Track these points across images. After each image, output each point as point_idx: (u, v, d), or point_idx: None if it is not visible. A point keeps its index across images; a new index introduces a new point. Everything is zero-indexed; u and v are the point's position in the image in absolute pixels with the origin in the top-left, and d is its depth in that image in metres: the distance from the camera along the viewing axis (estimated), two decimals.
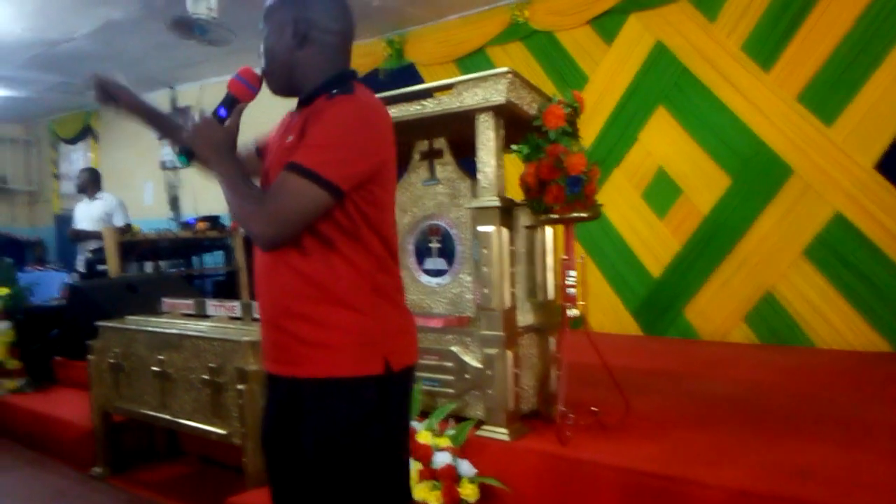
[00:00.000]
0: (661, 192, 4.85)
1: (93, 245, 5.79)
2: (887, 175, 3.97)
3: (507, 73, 2.50)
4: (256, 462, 2.77)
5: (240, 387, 2.78)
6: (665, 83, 4.81)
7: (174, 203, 8.21)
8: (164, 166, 8.19)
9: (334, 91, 1.37)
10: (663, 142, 4.84)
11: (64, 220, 9.49)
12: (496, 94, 2.52)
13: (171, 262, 6.39)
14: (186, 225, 6.31)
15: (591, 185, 2.58)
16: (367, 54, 6.33)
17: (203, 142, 1.41)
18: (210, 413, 2.97)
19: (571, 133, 2.64)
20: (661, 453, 2.34)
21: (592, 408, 2.70)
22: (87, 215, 5.96)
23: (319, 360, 1.34)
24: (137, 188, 8.68)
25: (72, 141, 9.37)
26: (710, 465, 2.21)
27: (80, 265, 6.00)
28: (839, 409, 2.84)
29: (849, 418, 2.69)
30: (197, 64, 7.03)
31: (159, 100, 8.22)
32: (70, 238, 6.20)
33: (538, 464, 2.44)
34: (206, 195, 7.32)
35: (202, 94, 7.83)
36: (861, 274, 4.05)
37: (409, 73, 6.08)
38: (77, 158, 9.41)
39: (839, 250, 4.12)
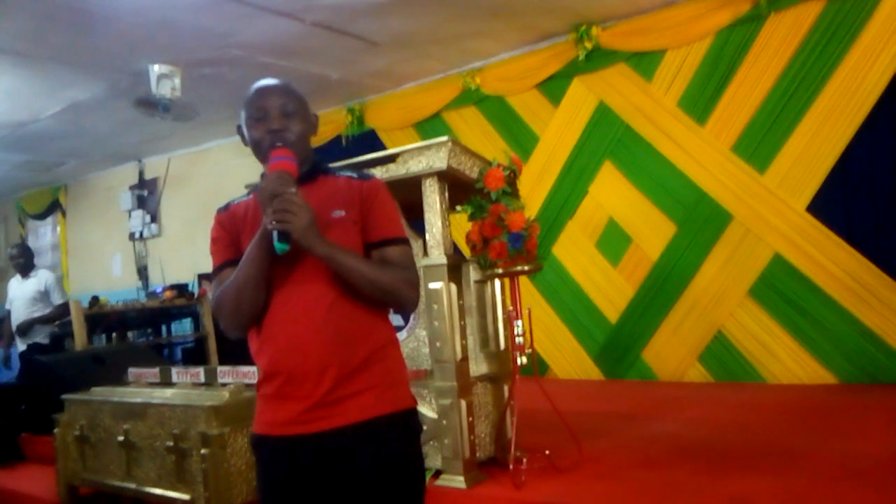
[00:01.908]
0: (613, 242, 5.07)
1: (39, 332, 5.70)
2: (818, 216, 4.22)
3: (447, 141, 2.70)
4: None
5: (203, 451, 2.84)
6: (610, 139, 5.09)
7: (142, 273, 8.26)
8: (132, 237, 8.27)
9: (346, 172, 1.62)
10: (612, 194, 5.08)
11: None
12: (438, 160, 2.71)
13: (139, 332, 6.40)
14: (154, 294, 6.37)
15: (532, 240, 2.76)
16: (329, 122, 6.57)
17: (311, 228, 1.43)
18: (175, 479, 3.01)
19: (511, 193, 2.84)
20: (611, 493, 2.46)
21: (546, 451, 2.81)
22: (20, 293, 5.74)
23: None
24: (106, 260, 8.72)
25: (40, 216, 9.43)
26: (655, 501, 2.33)
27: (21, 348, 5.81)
28: (783, 441, 2.98)
29: (791, 449, 2.84)
30: (164, 138, 7.21)
31: (127, 173, 8.38)
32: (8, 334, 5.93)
33: None
34: (174, 264, 7.41)
35: (169, 166, 8.00)
36: (803, 310, 4.26)
37: (370, 139, 6.32)
38: (45, 233, 9.46)
39: (781, 289, 4.33)
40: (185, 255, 7.52)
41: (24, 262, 5.79)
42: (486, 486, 2.67)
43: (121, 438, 3.22)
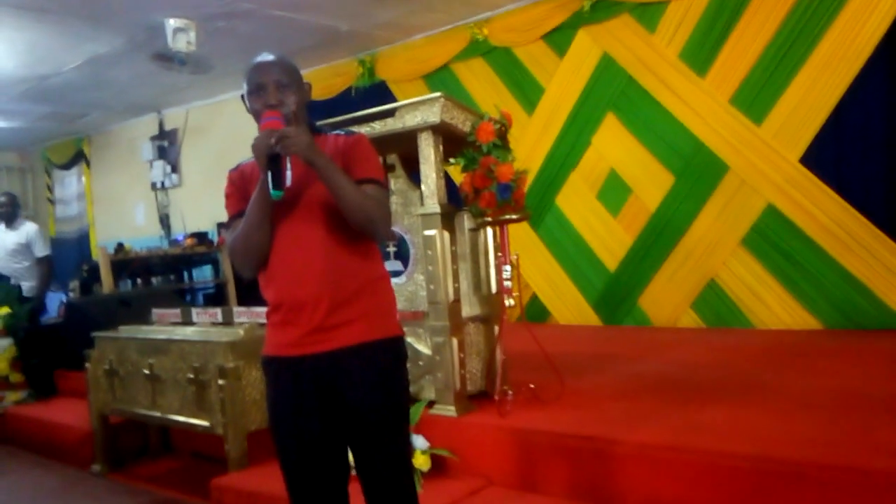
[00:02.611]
0: (614, 192, 5.21)
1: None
2: (812, 168, 4.32)
3: (440, 97, 2.87)
4: (237, 447, 3.13)
5: (220, 382, 3.13)
6: (613, 91, 5.18)
7: (164, 222, 8.56)
8: (154, 187, 8.55)
9: (332, 130, 1.89)
10: (614, 146, 5.20)
11: (60, 242, 9.85)
12: (432, 115, 2.89)
13: (162, 278, 6.73)
14: (176, 242, 6.67)
15: (520, 190, 2.94)
16: (340, 74, 6.71)
17: (312, 146, 1.67)
18: (195, 408, 3.32)
19: (501, 146, 3.00)
20: (583, 420, 2.70)
21: (531, 385, 3.06)
22: (1, 244, 5.61)
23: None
24: (129, 209, 9.03)
25: (65, 166, 9.74)
26: (626, 427, 2.57)
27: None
28: (755, 379, 3.20)
29: (760, 385, 3.05)
30: (182, 90, 7.39)
31: (148, 124, 8.61)
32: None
33: (481, 435, 2.81)
34: (194, 213, 7.69)
35: (188, 118, 8.21)
36: (793, 259, 4.41)
37: (380, 91, 6.44)
38: (71, 183, 9.78)
39: (773, 239, 4.48)
40: (204, 204, 7.78)
41: (10, 212, 5.70)
42: (474, 415, 2.93)
43: (146, 372, 3.54)
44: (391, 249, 3.27)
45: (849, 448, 2.15)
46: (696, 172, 4.79)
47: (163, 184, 8.46)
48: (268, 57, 1.81)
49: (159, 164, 8.38)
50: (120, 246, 5.95)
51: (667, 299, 4.97)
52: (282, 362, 1.76)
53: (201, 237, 6.62)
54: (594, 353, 4.09)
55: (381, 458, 1.76)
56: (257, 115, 1.77)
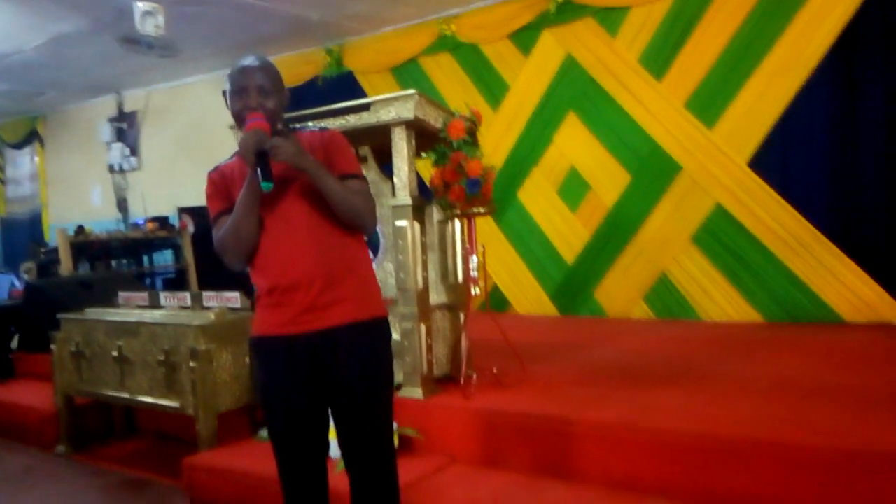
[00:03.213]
0: (573, 189, 5.42)
1: None
2: (758, 171, 4.60)
3: (414, 94, 2.99)
4: (208, 428, 3.21)
5: (192, 364, 3.21)
6: (575, 91, 5.38)
7: (122, 205, 8.46)
8: (111, 169, 8.42)
9: (307, 128, 2.02)
10: (574, 144, 5.41)
11: (10, 223, 9.63)
12: (406, 111, 3.01)
13: (121, 262, 6.68)
14: (136, 225, 6.62)
15: (487, 185, 3.09)
16: (307, 63, 6.75)
17: (301, 151, 1.80)
18: (165, 389, 3.39)
19: (471, 143, 3.14)
20: (545, 403, 2.88)
21: (493, 369, 3.23)
22: None
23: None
24: (85, 191, 8.87)
25: (17, 146, 9.50)
26: (582, 408, 2.75)
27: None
28: (699, 366, 3.43)
29: (704, 372, 3.28)
30: (144, 71, 7.31)
31: (106, 105, 8.47)
32: None
33: (446, 416, 2.96)
34: (154, 198, 7.63)
35: (149, 100, 8.11)
36: (738, 257, 4.68)
37: (347, 81, 6.52)
38: (23, 162, 9.55)
39: (720, 237, 4.75)
40: (165, 188, 7.73)
41: None
42: (440, 397, 3.08)
43: (115, 354, 3.58)
44: None
45: (780, 427, 2.37)
46: (651, 172, 5.03)
47: (121, 166, 8.35)
48: (253, 62, 1.90)
49: (117, 146, 8.26)
50: (80, 228, 5.89)
51: (620, 292, 5.21)
52: (275, 341, 1.87)
53: (162, 221, 6.58)
54: (552, 342, 4.29)
55: (367, 429, 1.90)
56: (237, 116, 1.88)
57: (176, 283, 6.74)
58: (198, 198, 7.81)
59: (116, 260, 6.64)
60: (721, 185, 4.74)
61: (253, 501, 2.83)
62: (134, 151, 8.27)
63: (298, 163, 1.79)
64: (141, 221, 6.62)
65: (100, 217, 8.23)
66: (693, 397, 2.82)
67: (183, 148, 7.73)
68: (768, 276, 4.58)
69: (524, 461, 2.73)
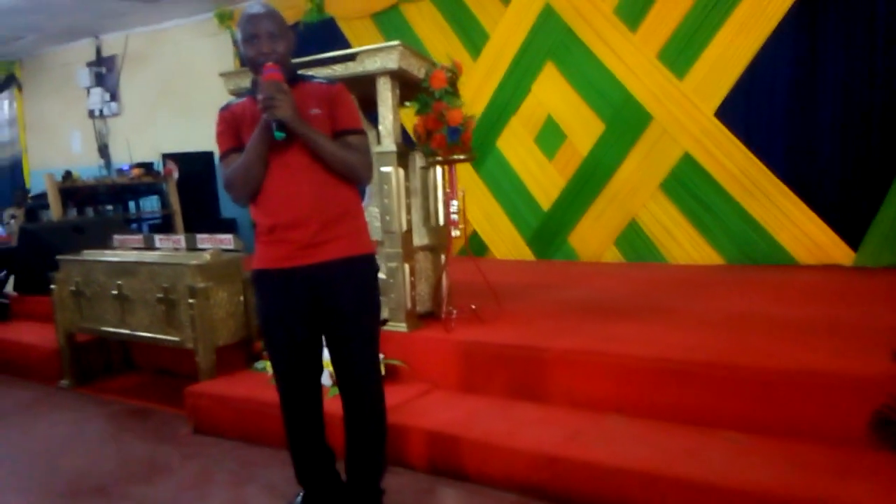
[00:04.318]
0: (550, 137, 5.62)
1: None
2: (724, 121, 4.83)
3: (398, 45, 3.15)
4: (207, 360, 3.46)
5: (191, 301, 3.43)
6: (552, 41, 5.52)
7: (103, 151, 8.49)
8: (91, 115, 8.42)
9: (314, 77, 2.19)
10: (552, 93, 5.58)
11: None
12: (390, 61, 3.18)
13: (106, 208, 6.80)
14: (121, 171, 6.72)
15: (467, 133, 3.29)
16: (289, 8, 6.73)
17: (297, 115, 1.99)
18: (165, 325, 3.61)
19: (452, 92, 3.32)
20: (519, 335, 3.16)
21: (472, 306, 3.49)
22: None
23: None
24: (64, 137, 8.88)
25: None
26: (552, 338, 3.03)
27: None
28: (662, 303, 3.72)
29: (666, 308, 3.57)
30: (121, 15, 7.28)
31: (83, 49, 8.41)
32: None
33: (428, 347, 3.23)
34: (137, 144, 7.70)
35: (127, 44, 8.07)
36: (703, 203, 4.96)
37: (328, 27, 6.57)
38: (1, 107, 9.48)
39: (687, 184, 5.01)
40: (147, 134, 7.79)
41: None
42: (423, 330, 3.35)
43: (114, 292, 3.78)
44: None
45: (728, 352, 2.67)
46: (624, 122, 5.24)
47: (101, 112, 8.35)
48: (260, 9, 2.08)
49: (97, 91, 8.26)
50: (68, 174, 5.99)
51: (593, 237, 5.48)
52: (275, 274, 2.11)
53: (147, 167, 6.69)
54: (528, 283, 4.57)
55: (358, 350, 2.16)
56: (251, 63, 2.06)
57: (162, 228, 6.89)
58: (181, 144, 7.91)
59: (102, 206, 6.76)
60: (689, 134, 4.97)
61: (251, 425, 3.11)
62: (114, 97, 8.26)
63: (292, 125, 1.99)
64: (126, 167, 6.71)
65: (80, 163, 8.27)
66: (652, 328, 3.12)
67: (164, 94, 7.76)
68: (730, 221, 4.87)
69: (498, 386, 3.02)
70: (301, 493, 2.36)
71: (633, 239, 5.29)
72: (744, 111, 4.77)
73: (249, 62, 2.07)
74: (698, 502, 2.11)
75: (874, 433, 2.23)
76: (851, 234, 4.46)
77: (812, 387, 2.38)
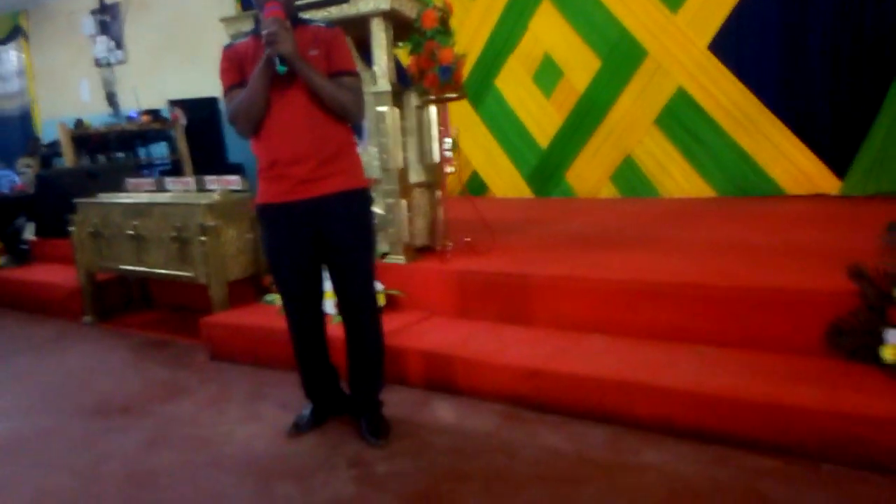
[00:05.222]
0: (547, 75, 5.71)
1: None
2: (717, 54, 4.90)
3: None
4: (220, 293, 3.69)
5: (202, 239, 3.64)
6: None
7: (111, 99, 8.62)
8: (98, 63, 8.52)
9: (313, 21, 2.34)
10: (549, 31, 5.63)
11: (1, 120, 9.76)
12: (383, 2, 3.28)
13: (117, 154, 6.98)
14: (131, 118, 6.87)
15: (459, 72, 3.41)
16: None
17: (297, 51, 2.15)
18: (179, 262, 3.84)
19: (443, 31, 3.42)
20: (511, 264, 3.35)
21: (466, 239, 3.68)
22: None
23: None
24: (73, 86, 8.99)
25: (2, 41, 9.49)
26: (541, 266, 3.23)
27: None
28: (650, 233, 3.90)
29: (652, 237, 3.75)
30: None
31: None
32: None
33: (425, 278, 3.44)
34: (142, 91, 7.82)
35: None
36: (696, 137, 5.07)
37: None
38: (9, 59, 9.57)
39: (681, 118, 5.11)
40: (153, 81, 7.89)
41: None
42: (420, 263, 3.55)
43: (130, 232, 4.00)
44: None
45: (700, 273, 2.86)
46: (620, 57, 5.31)
47: (107, 60, 8.44)
48: None
49: (102, 39, 8.33)
50: (79, 122, 6.15)
51: (590, 173, 5.62)
52: (278, 207, 2.30)
53: (155, 114, 6.83)
54: (524, 218, 4.74)
55: (354, 276, 2.37)
56: (258, 2, 2.20)
57: (171, 173, 7.06)
58: (187, 90, 8.01)
59: (112, 152, 6.94)
60: (683, 68, 5.04)
61: (262, 351, 3.36)
62: (119, 44, 8.34)
63: (291, 60, 2.14)
64: (135, 114, 6.86)
65: (89, 112, 8.41)
66: (637, 256, 3.30)
67: (168, 41, 7.83)
68: (722, 154, 4.99)
69: (490, 312, 3.23)
70: (310, 407, 2.61)
71: (629, 174, 5.43)
72: (736, 45, 4.84)
73: (255, 2, 2.21)
74: (666, 405, 2.34)
75: (828, 342, 2.43)
76: (839, 164, 4.58)
77: (775, 303, 2.57)
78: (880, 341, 2.28)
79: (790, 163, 4.74)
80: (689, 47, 4.99)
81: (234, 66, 2.29)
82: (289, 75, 2.17)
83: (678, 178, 5.20)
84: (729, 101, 4.88)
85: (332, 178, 2.28)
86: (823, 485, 1.96)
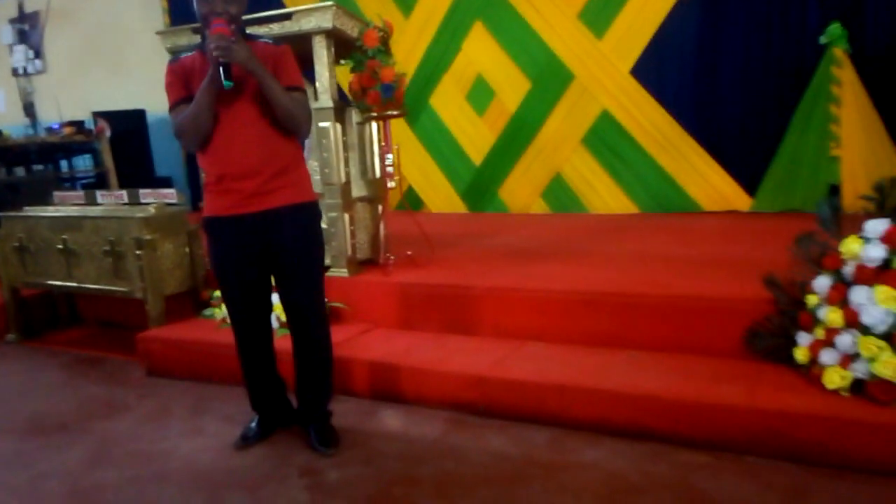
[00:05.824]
0: (480, 95, 5.90)
1: None
2: (639, 79, 5.22)
3: (332, 5, 3.33)
4: (157, 308, 3.64)
5: (138, 252, 3.59)
6: (481, 1, 5.75)
7: (29, 109, 8.27)
8: (15, 73, 8.17)
9: (262, 38, 2.37)
10: (481, 52, 5.84)
11: None
12: (325, 21, 3.36)
13: (36, 167, 6.71)
14: (52, 130, 6.63)
15: (400, 90, 3.52)
16: None
17: (252, 57, 2.16)
18: (113, 277, 3.76)
19: (385, 51, 3.54)
20: (452, 276, 3.47)
21: (408, 252, 3.78)
22: None
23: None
24: None
25: None
26: (480, 278, 3.35)
27: None
28: (580, 246, 4.10)
29: (583, 250, 3.95)
30: None
31: (6, 6, 8.09)
32: None
33: (368, 290, 3.51)
34: (65, 102, 7.55)
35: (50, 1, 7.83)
36: (620, 156, 5.36)
37: None
38: None
39: (605, 139, 5.40)
40: (76, 92, 7.64)
41: None
42: (363, 276, 3.61)
43: (60, 246, 3.89)
44: None
45: (630, 283, 3.05)
46: (549, 80, 5.56)
47: (25, 69, 8.11)
48: None
49: (20, 48, 8.01)
50: None
51: (521, 190, 5.83)
52: (226, 220, 2.32)
53: (79, 125, 6.62)
54: (460, 233, 4.88)
55: (305, 288, 2.41)
56: (204, 18, 2.21)
57: (96, 186, 6.85)
58: (112, 102, 7.80)
59: (32, 165, 6.67)
60: (607, 91, 5.33)
61: (203, 365, 3.33)
62: (38, 54, 8.03)
63: (250, 66, 2.16)
64: (56, 126, 6.62)
65: (5, 122, 8.04)
66: (569, 267, 3.49)
67: (92, 51, 7.61)
68: (644, 172, 5.29)
69: (432, 323, 3.33)
70: (256, 419, 2.63)
71: (558, 191, 5.67)
72: (656, 70, 5.17)
73: (202, 19, 2.21)
74: (602, 405, 2.49)
75: (747, 345, 2.65)
76: (750, 182, 4.95)
77: (698, 310, 2.78)
78: (793, 343, 2.51)
79: (706, 182, 5.08)
80: (612, 72, 5.28)
81: (180, 80, 2.28)
82: (236, 89, 2.19)
83: (604, 195, 5.47)
84: (650, 123, 5.19)
85: (282, 191, 2.32)
86: (748, 475, 2.14)
